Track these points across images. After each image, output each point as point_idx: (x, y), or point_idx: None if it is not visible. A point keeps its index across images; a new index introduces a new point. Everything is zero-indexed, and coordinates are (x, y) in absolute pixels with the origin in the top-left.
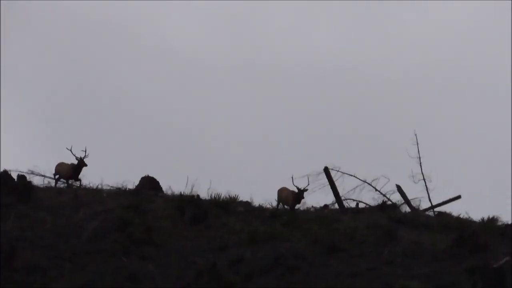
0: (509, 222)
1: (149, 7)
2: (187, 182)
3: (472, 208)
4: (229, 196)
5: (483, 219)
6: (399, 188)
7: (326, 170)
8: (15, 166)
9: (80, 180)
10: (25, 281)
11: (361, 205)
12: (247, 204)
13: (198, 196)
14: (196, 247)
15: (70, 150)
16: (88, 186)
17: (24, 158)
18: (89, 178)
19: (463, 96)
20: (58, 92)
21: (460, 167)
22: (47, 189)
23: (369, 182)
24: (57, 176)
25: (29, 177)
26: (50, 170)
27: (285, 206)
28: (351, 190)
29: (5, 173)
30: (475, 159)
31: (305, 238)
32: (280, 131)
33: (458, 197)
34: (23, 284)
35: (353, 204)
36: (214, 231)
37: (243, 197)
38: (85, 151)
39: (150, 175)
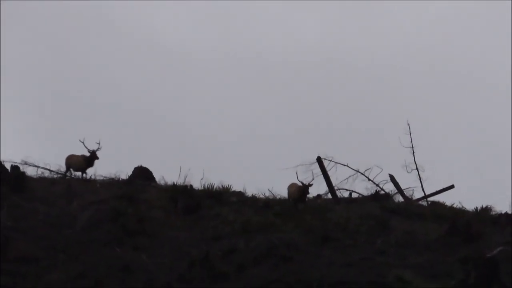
0: (503, 212)
1: (139, 2)
2: (180, 172)
3: (466, 197)
4: (222, 186)
5: (476, 209)
6: (392, 178)
7: (319, 160)
8: (8, 156)
9: (86, 172)
10: (18, 271)
11: (354, 195)
12: (240, 194)
13: (191, 186)
14: (189, 237)
15: (83, 143)
16: (81, 176)
17: (17, 149)
18: None
19: (456, 85)
20: (52, 83)
21: (453, 156)
22: (40, 179)
23: (362, 171)
24: (67, 169)
25: (22, 168)
26: (43, 161)
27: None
28: (344, 180)
29: None
30: (468, 149)
31: (298, 228)
32: (272, 121)
33: (451, 186)
34: (16, 274)
35: (346, 194)
36: (207, 221)
37: (236, 187)
38: (99, 143)
39: (143, 165)
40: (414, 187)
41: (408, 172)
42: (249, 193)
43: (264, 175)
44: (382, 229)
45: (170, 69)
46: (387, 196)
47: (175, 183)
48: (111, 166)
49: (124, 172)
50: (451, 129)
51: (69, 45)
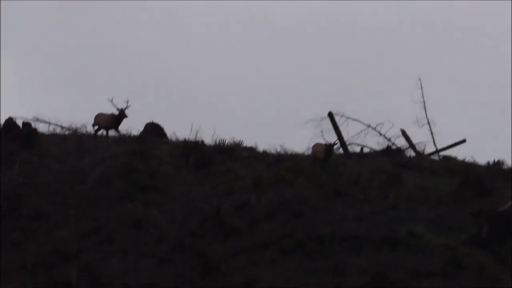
0: None
1: None
2: (191, 128)
3: (477, 151)
4: (234, 141)
5: (488, 163)
6: (403, 133)
7: (331, 115)
8: (20, 113)
9: (119, 131)
10: (30, 227)
11: (365, 150)
12: (252, 150)
13: (202, 142)
14: (201, 193)
15: (111, 101)
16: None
17: (29, 105)
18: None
19: (466, 40)
20: (63, 41)
21: (465, 111)
22: (52, 136)
23: (373, 126)
24: (96, 127)
25: (34, 124)
26: (55, 117)
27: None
28: (356, 134)
29: (10, 120)
30: (480, 103)
31: (309, 183)
32: (284, 77)
33: (463, 141)
34: (29, 230)
35: (357, 149)
36: (218, 176)
37: (248, 142)
38: (127, 102)
39: (155, 121)
40: (426, 141)
41: (420, 127)
42: (260, 148)
43: (275, 131)
44: (393, 183)
45: (180, 26)
46: (399, 150)
47: (187, 139)
48: (123, 122)
49: (136, 128)
50: (462, 83)
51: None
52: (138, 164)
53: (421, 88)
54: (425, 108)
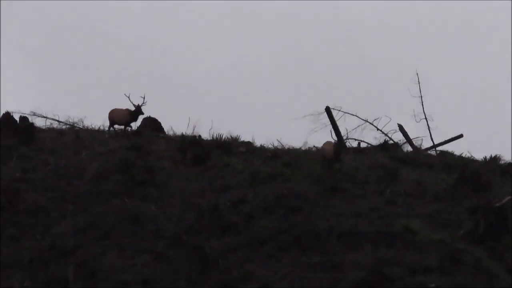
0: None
1: None
2: (188, 123)
3: (475, 146)
4: (231, 136)
5: (485, 158)
6: (400, 127)
7: (328, 110)
8: (17, 107)
9: (131, 126)
10: (27, 222)
11: (363, 145)
12: (249, 145)
13: (199, 136)
14: (198, 187)
15: (128, 97)
16: (90, 127)
17: (26, 100)
18: (91, 119)
19: (464, 33)
20: (59, 35)
21: (462, 105)
22: (49, 130)
23: (370, 121)
24: (110, 123)
25: (31, 119)
26: (52, 112)
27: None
28: (353, 129)
29: (7, 115)
30: (478, 98)
31: (307, 178)
32: (281, 72)
33: (460, 136)
34: (26, 225)
35: (355, 144)
36: (215, 171)
37: (245, 137)
38: (144, 98)
39: (152, 116)
40: (423, 136)
41: (417, 122)
42: (257, 143)
43: (272, 126)
44: (391, 179)
45: (177, 21)
46: (396, 145)
47: (184, 133)
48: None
49: (133, 123)
50: (459, 78)
51: None
52: (136, 159)
53: (419, 82)
54: (422, 103)
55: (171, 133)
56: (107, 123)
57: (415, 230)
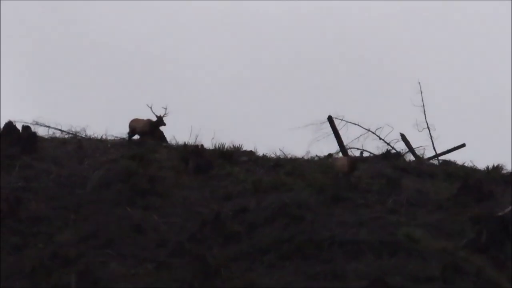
0: None
1: None
2: (191, 132)
3: (477, 156)
4: (233, 145)
5: (487, 167)
6: (403, 137)
7: (330, 119)
8: (19, 116)
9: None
10: (29, 231)
11: (365, 154)
12: (251, 154)
13: (202, 146)
14: (200, 197)
15: (150, 108)
16: (93, 136)
17: (29, 109)
18: (93, 128)
19: (466, 42)
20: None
21: (464, 115)
22: (51, 139)
23: (373, 130)
24: (130, 133)
25: (33, 128)
26: (55, 121)
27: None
28: (355, 139)
29: (10, 124)
30: (480, 107)
31: (309, 187)
32: (284, 81)
33: (463, 145)
34: (28, 234)
35: (357, 153)
36: (218, 181)
37: (247, 146)
38: (166, 108)
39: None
40: (425, 146)
41: (419, 131)
42: (260, 152)
43: (274, 135)
44: (393, 188)
45: (179, 28)
46: (398, 155)
47: (186, 143)
48: (122, 126)
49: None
50: (462, 87)
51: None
52: (138, 168)
53: (421, 92)
54: (424, 112)
55: (173, 142)
56: (109, 132)
57: (418, 239)
